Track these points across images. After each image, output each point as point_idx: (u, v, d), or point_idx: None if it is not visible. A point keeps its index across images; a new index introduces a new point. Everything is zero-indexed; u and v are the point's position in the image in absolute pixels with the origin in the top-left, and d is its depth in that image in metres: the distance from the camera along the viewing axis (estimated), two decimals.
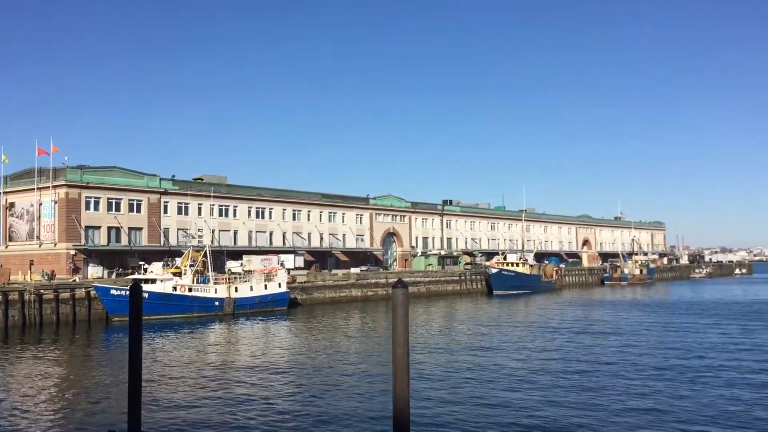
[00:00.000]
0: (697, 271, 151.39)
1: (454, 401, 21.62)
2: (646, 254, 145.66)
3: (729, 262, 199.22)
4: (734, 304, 65.99)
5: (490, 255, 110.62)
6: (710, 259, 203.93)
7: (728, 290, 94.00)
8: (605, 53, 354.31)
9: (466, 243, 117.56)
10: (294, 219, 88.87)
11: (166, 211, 73.97)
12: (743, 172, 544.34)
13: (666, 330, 42.73)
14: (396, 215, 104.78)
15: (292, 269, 72.86)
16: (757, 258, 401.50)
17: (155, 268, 55.03)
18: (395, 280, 10.50)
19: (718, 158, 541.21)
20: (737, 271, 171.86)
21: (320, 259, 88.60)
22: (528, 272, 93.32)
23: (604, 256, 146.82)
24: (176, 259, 61.28)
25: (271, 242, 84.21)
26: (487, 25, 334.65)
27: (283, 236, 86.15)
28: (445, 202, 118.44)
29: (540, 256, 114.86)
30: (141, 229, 71.17)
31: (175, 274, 54.38)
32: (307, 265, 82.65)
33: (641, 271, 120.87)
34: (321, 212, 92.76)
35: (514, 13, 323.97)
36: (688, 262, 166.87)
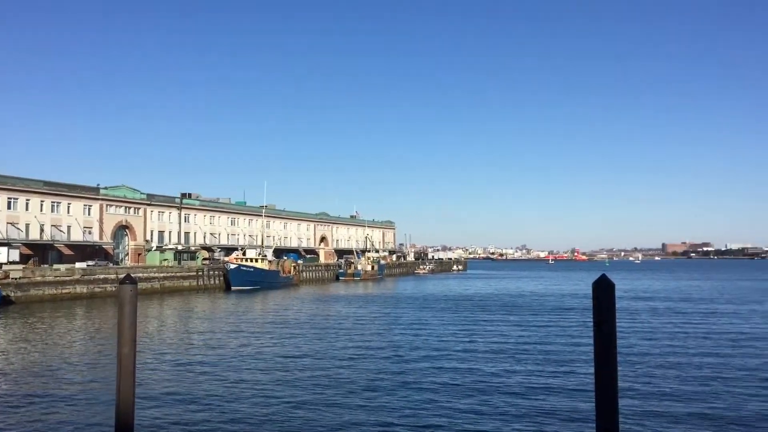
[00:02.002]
0: (421, 267, 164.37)
1: (183, 402, 21.05)
2: (377, 251, 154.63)
3: (448, 259, 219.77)
4: (462, 298, 73.00)
5: (229, 250, 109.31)
6: (433, 257, 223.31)
7: (446, 284, 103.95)
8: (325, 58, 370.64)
9: (204, 238, 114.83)
10: (9, 208, 79.37)
11: None
12: (464, 180, 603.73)
13: (393, 321, 46.00)
14: (129, 207, 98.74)
15: (5, 264, 65.10)
16: (471, 256, 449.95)
17: None
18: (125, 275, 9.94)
19: (443, 167, 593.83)
20: (455, 267, 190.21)
21: (40, 252, 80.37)
22: (267, 268, 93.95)
23: (340, 253, 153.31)
24: None
25: None
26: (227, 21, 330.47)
27: None
28: (183, 196, 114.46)
29: (279, 252, 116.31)
30: None
31: None
32: (24, 259, 74.46)
33: (373, 267, 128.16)
34: (42, 201, 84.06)
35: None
36: (414, 259, 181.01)
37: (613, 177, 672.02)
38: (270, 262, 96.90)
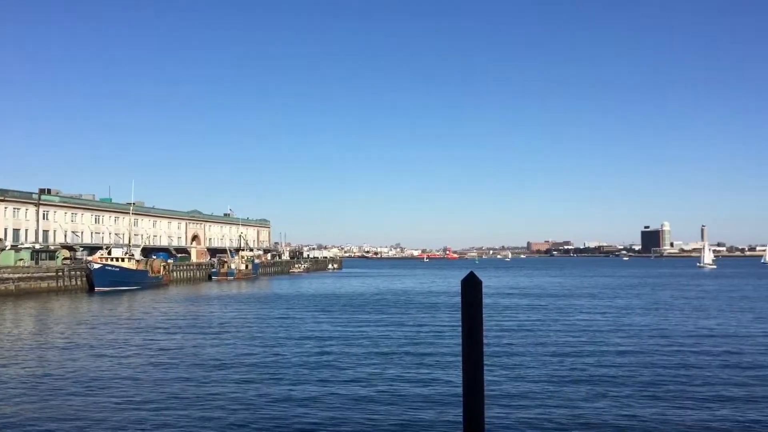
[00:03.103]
0: (296, 266, 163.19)
1: (37, 408, 19.53)
2: (252, 250, 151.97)
3: (324, 258, 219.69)
4: (337, 297, 72.94)
5: (93, 249, 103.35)
6: (308, 255, 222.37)
7: (321, 283, 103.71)
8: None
9: (66, 236, 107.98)
10: None
11: None
12: (340, 180, 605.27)
13: (265, 321, 45.20)
14: None
15: None
16: (347, 254, 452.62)
17: None
18: None
19: (319, 166, 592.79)
20: (330, 266, 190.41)
21: None
22: (134, 267, 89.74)
23: (213, 252, 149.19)
24: None
25: None
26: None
27: None
28: (42, 191, 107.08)
29: (148, 251, 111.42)
30: None
31: None
32: None
33: (247, 266, 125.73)
34: None
35: None
36: (289, 258, 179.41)
37: (481, 178, 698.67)
38: (138, 261, 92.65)
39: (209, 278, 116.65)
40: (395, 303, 61.97)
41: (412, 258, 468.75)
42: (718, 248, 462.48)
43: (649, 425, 17.84)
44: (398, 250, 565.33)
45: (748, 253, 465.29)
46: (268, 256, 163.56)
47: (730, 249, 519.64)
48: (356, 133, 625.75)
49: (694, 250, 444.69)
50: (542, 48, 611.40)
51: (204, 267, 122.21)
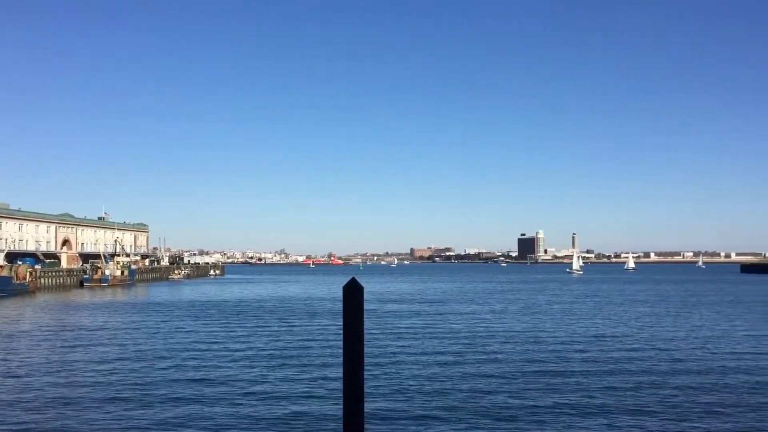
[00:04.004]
0: (176, 272, 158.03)
1: None
2: (128, 255, 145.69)
3: (205, 264, 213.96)
4: (215, 304, 71.07)
5: None
6: (189, 261, 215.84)
7: (201, 290, 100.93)
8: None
9: None
10: None
11: None
12: (222, 184, 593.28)
13: (138, 330, 43.49)
14: None
15: None
16: (230, 260, 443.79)
17: None
18: None
19: (200, 169, 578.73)
20: (212, 272, 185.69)
21: None
22: None
23: (87, 257, 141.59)
24: None
25: None
26: None
27: None
28: None
29: (13, 257, 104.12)
30: None
31: None
32: None
33: (123, 272, 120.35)
34: None
35: None
36: (168, 264, 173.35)
37: (365, 185, 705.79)
38: (1, 267, 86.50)
39: (81, 285, 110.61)
40: (278, 309, 61.35)
41: (297, 264, 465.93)
42: (587, 255, 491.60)
43: (522, 415, 18.73)
44: (283, 256, 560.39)
45: (614, 260, 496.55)
46: (146, 261, 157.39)
47: (598, 256, 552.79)
48: (238, 135, 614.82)
49: (566, 256, 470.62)
50: (425, 50, 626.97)
51: (75, 273, 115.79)
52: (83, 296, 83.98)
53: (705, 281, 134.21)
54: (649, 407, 20.54)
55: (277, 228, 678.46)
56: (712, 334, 40.54)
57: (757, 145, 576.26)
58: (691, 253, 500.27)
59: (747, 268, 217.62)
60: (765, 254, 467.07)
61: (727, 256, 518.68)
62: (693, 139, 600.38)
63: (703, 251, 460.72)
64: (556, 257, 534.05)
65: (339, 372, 9.05)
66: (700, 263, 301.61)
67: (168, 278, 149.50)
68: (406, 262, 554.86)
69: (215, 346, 34.94)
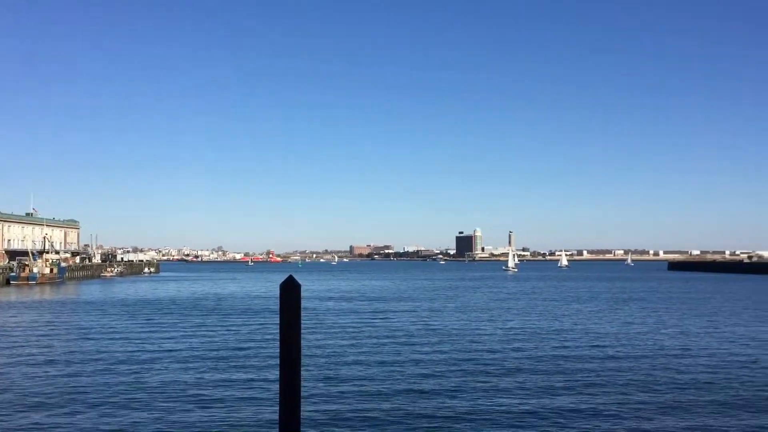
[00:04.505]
0: (108, 270, 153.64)
1: None
2: (58, 252, 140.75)
3: (139, 261, 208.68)
4: (148, 302, 69.39)
5: None
6: (122, 258, 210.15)
7: (134, 287, 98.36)
8: None
9: None
10: None
11: None
12: (157, 179, 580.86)
13: (66, 328, 42.11)
14: None
15: None
16: (165, 258, 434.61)
17: None
18: None
19: (133, 164, 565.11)
20: (146, 270, 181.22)
21: None
22: None
23: (13, 254, 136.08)
24: None
25: None
26: None
27: None
28: None
29: None
30: None
31: None
32: None
33: (52, 270, 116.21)
34: None
35: None
36: (100, 261, 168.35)
37: (303, 182, 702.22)
38: None
39: (7, 283, 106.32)
40: (215, 308, 60.35)
41: (234, 262, 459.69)
42: (523, 253, 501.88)
43: (461, 414, 18.92)
44: (220, 253, 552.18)
45: (549, 257, 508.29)
46: (77, 259, 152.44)
47: (534, 254, 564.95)
48: (167, 131, 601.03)
49: (503, 254, 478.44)
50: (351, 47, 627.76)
51: (1, 271, 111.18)
52: (9, 295, 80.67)
53: (636, 279, 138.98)
54: (583, 404, 21.05)
55: (214, 225, 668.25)
56: (642, 329, 41.95)
57: (685, 148, 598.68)
58: (621, 251, 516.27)
59: (674, 266, 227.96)
60: (690, 252, 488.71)
61: (656, 254, 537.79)
62: (623, 139, 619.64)
63: (633, 249, 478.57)
64: (493, 255, 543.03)
65: (276, 372, 8.91)
66: (629, 261, 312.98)
67: (100, 276, 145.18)
68: (345, 259, 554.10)
69: (148, 347, 34.08)
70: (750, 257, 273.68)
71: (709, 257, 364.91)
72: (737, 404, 20.82)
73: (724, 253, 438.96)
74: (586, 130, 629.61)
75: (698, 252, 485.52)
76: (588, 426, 18.33)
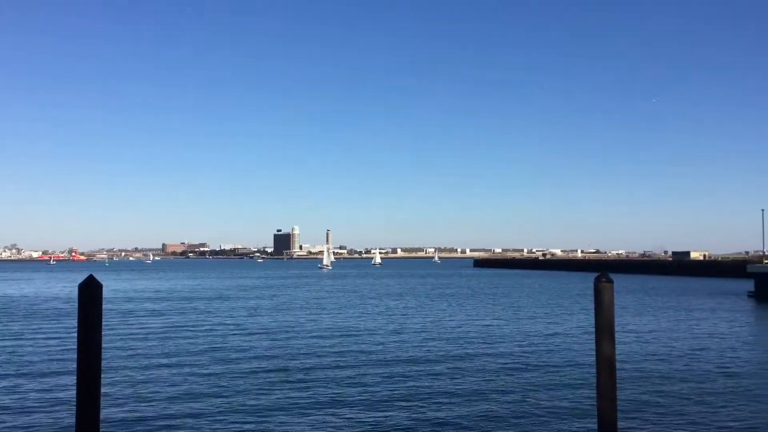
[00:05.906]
0: None
1: None
2: None
3: None
4: None
5: None
6: None
7: None
8: None
9: None
10: None
11: None
12: None
13: None
14: None
15: None
16: None
17: None
18: None
19: None
20: None
21: None
22: None
23: None
24: None
25: None
26: None
27: None
28: None
29: None
30: None
31: None
32: None
33: None
34: None
35: None
36: None
37: (111, 175, 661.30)
38: None
39: None
40: (3, 311, 55.07)
41: (32, 260, 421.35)
42: (340, 251, 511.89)
43: (272, 413, 18.94)
44: (15, 251, 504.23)
45: (365, 255, 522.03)
46: None
47: (350, 251, 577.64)
48: None
49: (320, 252, 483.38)
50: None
51: None
52: None
53: (446, 275, 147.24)
54: (396, 396, 21.93)
55: (6, 221, 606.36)
56: (451, 323, 44.55)
57: (490, 149, 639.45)
58: (432, 249, 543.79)
59: (479, 263, 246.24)
60: (494, 250, 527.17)
61: (463, 251, 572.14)
62: (435, 143, 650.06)
63: (442, 247, 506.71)
64: (311, 253, 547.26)
65: (74, 378, 8.44)
66: (436, 258, 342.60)
67: None
68: (157, 258, 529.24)
69: None
70: (544, 254, 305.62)
71: (510, 255, 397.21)
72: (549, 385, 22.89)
73: (522, 251, 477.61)
74: (400, 131, 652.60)
75: (500, 250, 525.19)
76: (384, 416, 19.14)
